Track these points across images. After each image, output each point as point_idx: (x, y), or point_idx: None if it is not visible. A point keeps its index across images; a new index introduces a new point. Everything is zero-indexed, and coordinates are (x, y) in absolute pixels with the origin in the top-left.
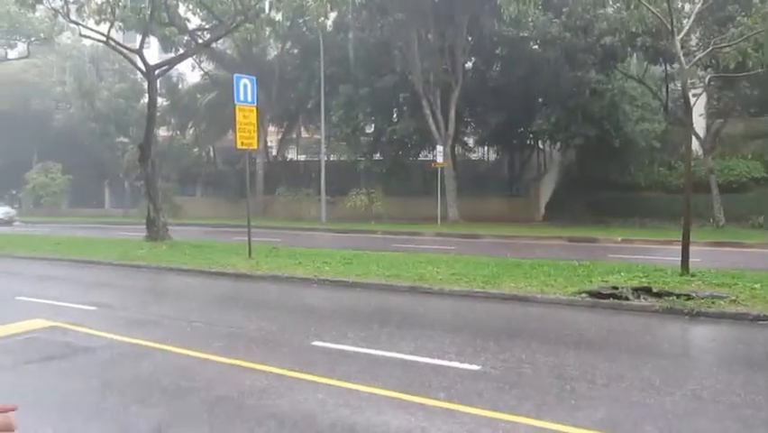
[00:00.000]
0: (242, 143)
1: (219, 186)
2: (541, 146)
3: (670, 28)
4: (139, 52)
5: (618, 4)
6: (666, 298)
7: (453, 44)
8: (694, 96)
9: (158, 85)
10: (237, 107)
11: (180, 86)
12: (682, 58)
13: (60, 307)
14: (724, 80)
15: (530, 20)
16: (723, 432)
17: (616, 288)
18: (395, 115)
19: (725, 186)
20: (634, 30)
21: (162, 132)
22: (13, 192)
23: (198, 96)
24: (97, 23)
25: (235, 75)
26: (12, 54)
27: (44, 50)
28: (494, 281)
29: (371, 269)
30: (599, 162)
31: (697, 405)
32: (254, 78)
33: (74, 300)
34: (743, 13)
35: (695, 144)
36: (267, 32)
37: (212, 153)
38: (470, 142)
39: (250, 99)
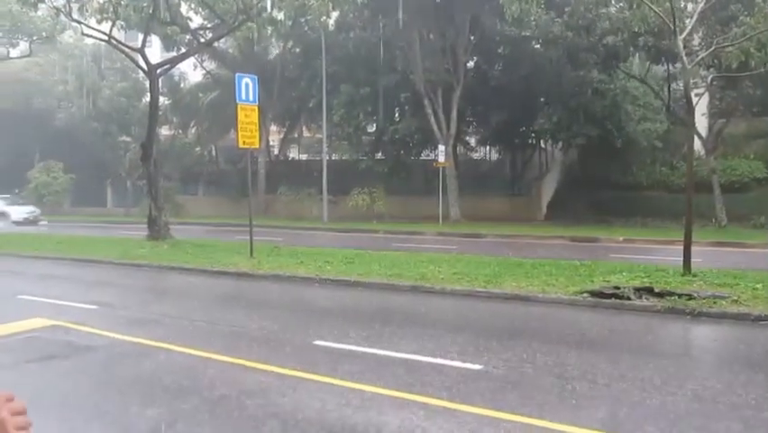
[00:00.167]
0: (244, 143)
1: (221, 185)
2: (543, 146)
3: (672, 27)
4: (141, 51)
5: (621, 4)
6: (668, 298)
7: (455, 43)
8: (696, 95)
9: (159, 84)
10: (239, 106)
11: (182, 85)
12: (685, 57)
13: (62, 306)
14: (726, 80)
15: (532, 19)
16: (724, 432)
17: (617, 288)
18: (396, 115)
19: (727, 186)
20: (636, 29)
21: (164, 131)
22: (16, 191)
23: (200, 95)
24: (99, 21)
25: (237, 74)
26: (14, 53)
27: (46, 49)
28: (496, 281)
29: (373, 268)
30: (601, 162)
31: (698, 405)
32: (256, 77)
33: (75, 299)
34: (745, 13)
35: (697, 144)
36: (269, 32)
37: (214, 152)
38: (472, 141)
39: (251, 98)
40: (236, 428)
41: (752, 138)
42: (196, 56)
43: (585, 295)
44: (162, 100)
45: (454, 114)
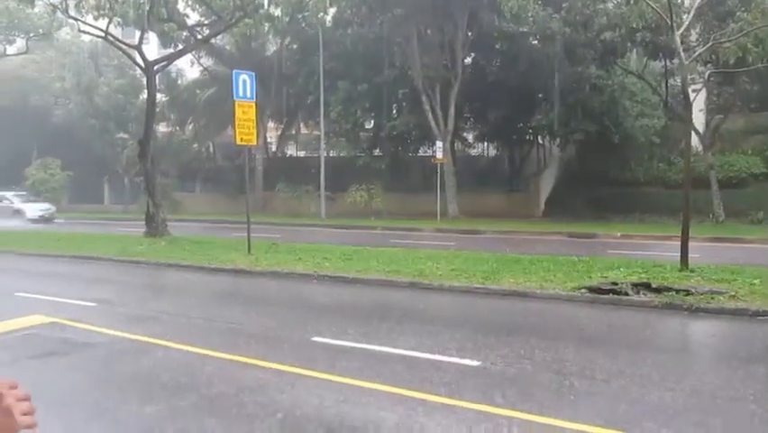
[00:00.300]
0: (242, 139)
1: (218, 182)
2: (541, 142)
3: (669, 23)
4: (138, 48)
5: (618, 0)
6: (665, 293)
7: (453, 40)
8: (694, 91)
9: (157, 81)
10: (236, 103)
11: (179, 81)
12: (682, 53)
13: (60, 303)
14: (724, 76)
15: (530, 15)
16: (722, 427)
17: (615, 283)
18: (394, 111)
19: (724, 181)
20: (634, 25)
21: (162, 127)
22: (14, 188)
23: (198, 91)
24: (96, 18)
25: (234, 71)
26: (10, 50)
27: (43, 46)
28: (494, 277)
29: (371, 265)
30: (599, 158)
31: (696, 400)
32: (253, 73)
33: (73, 296)
34: (742, 9)
35: (695, 140)
36: (266, 28)
37: (211, 149)
38: (470, 137)
39: (249, 95)
40: (234, 425)
41: (749, 134)
42: (194, 53)
43: (583, 291)
44: (159, 97)
45: (452, 110)
